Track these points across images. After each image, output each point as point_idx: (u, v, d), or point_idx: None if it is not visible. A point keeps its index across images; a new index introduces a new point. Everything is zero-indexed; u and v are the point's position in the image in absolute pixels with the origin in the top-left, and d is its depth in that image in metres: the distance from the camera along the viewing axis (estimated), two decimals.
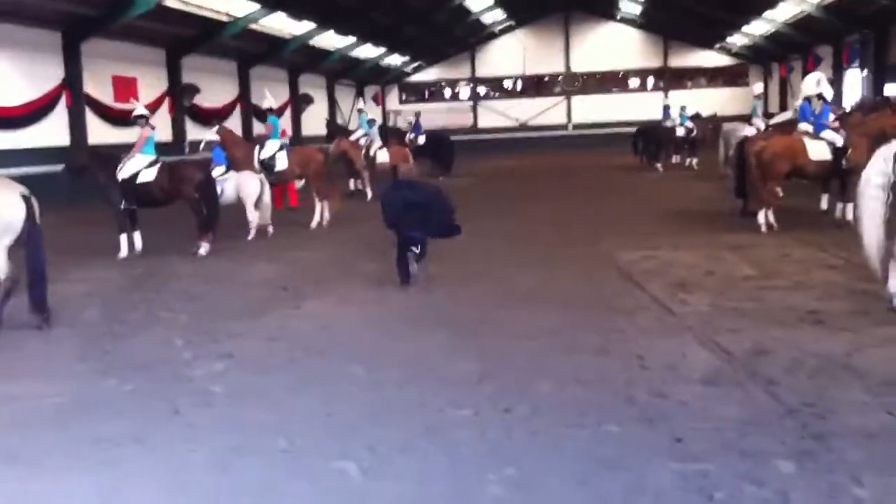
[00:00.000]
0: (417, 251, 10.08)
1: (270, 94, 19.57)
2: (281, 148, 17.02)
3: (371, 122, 23.86)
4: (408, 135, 29.11)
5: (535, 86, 52.14)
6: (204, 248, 13.15)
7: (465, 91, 52.96)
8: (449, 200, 10.51)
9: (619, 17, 49.17)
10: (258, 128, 34.78)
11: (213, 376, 6.73)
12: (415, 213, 10.00)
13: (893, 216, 7.80)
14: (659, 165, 27.92)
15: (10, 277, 8.50)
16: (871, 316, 7.71)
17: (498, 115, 50.83)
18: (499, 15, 46.67)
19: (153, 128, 14.11)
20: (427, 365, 6.79)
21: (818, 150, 13.51)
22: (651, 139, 29.25)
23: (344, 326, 8.30)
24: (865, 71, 33.57)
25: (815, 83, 14.36)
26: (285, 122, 38.21)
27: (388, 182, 13.20)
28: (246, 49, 32.98)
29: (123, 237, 13.35)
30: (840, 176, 13.62)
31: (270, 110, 18.98)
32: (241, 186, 15.02)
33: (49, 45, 23.15)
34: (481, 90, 52.51)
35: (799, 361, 6.41)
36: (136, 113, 14.13)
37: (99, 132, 24.47)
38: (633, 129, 31.83)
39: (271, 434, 5.36)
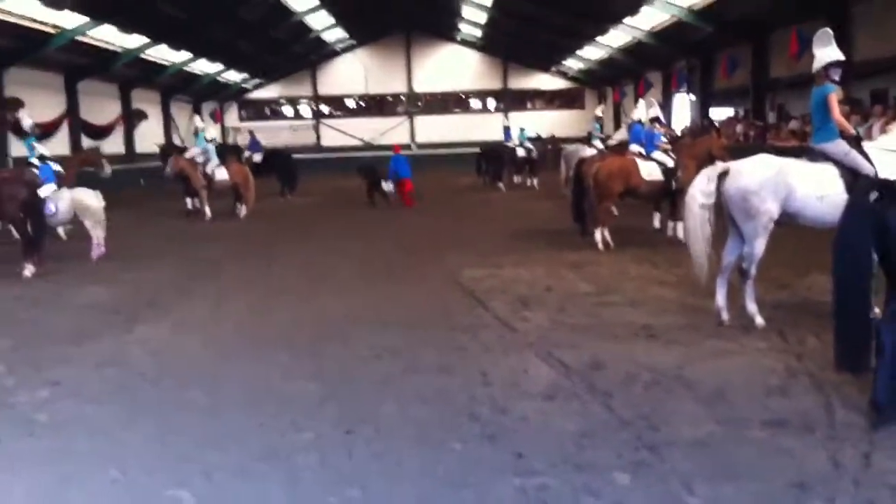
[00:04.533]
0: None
1: None
2: None
3: (211, 140, 23.13)
4: (244, 153, 28.54)
5: (378, 105, 52.25)
6: (29, 270, 12.45)
7: (306, 109, 52.44)
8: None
9: (459, 39, 49.97)
10: (87, 144, 33.36)
11: (37, 404, 6.36)
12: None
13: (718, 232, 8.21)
14: (501, 185, 28.44)
15: None
16: (702, 330, 8.04)
17: (341, 133, 50.59)
18: (340, 33, 46.52)
19: None
20: (267, 387, 6.62)
21: (650, 171, 14.10)
22: (493, 159, 29.73)
23: (180, 350, 8.00)
24: (692, 95, 35.37)
25: (646, 107, 15.16)
26: (117, 139, 36.81)
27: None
28: (73, 62, 31.51)
29: None
30: (671, 196, 14.24)
31: None
32: (78, 203, 14.04)
33: None
34: (324, 108, 52.18)
35: (633, 375, 6.61)
36: None
37: None
38: (475, 150, 32.31)
39: (101, 464, 5.10)
